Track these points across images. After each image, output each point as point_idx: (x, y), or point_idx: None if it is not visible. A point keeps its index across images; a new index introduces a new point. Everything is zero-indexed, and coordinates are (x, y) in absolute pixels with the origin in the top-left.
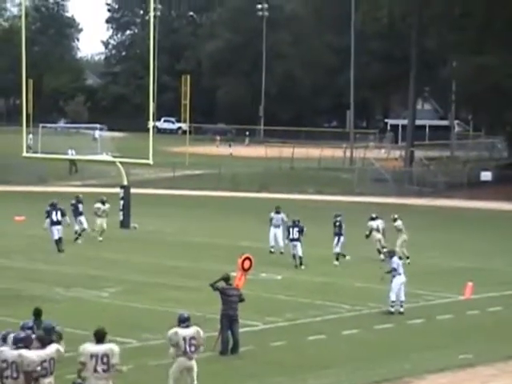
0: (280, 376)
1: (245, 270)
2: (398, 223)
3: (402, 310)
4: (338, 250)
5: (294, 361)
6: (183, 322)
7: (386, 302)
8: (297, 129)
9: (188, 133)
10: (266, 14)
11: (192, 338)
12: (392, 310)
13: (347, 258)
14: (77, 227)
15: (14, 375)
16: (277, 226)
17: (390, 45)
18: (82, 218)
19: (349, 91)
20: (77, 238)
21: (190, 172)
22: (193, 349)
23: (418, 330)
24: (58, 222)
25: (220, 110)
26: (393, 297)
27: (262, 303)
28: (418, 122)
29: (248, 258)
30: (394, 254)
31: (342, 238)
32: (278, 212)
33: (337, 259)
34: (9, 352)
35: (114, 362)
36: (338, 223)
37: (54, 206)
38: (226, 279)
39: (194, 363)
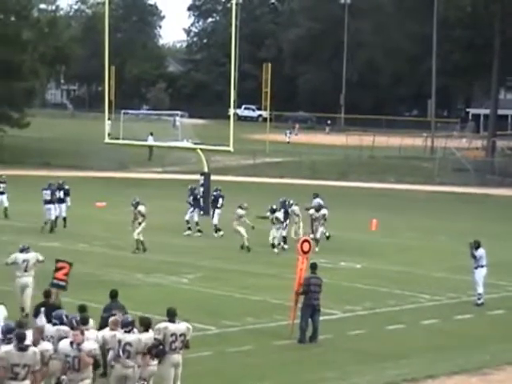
0: (359, 364)
1: (304, 253)
2: (294, 208)
3: (479, 301)
4: None
5: (373, 349)
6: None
7: (471, 294)
8: (377, 117)
9: (268, 120)
10: (348, 1)
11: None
12: (479, 302)
13: None
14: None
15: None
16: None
17: (473, 33)
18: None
19: (430, 80)
20: (199, 230)
21: (269, 159)
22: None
23: (498, 320)
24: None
25: (300, 97)
26: (480, 289)
27: (341, 292)
28: (501, 112)
29: (306, 241)
30: (479, 245)
31: None
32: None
33: None
34: (177, 325)
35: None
36: None
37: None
38: (313, 267)
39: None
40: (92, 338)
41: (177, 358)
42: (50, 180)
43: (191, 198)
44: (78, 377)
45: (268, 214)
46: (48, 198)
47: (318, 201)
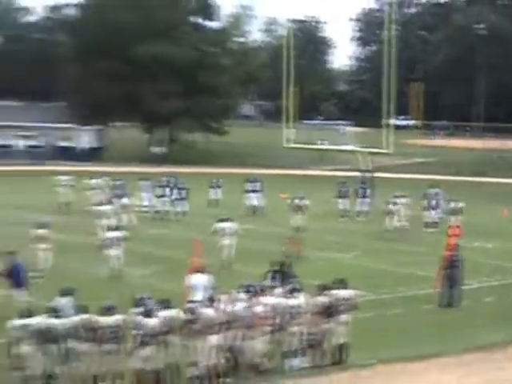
0: (492, 324)
1: (456, 236)
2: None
3: None
4: None
5: (503, 313)
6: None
7: None
8: (506, 125)
9: (418, 128)
10: (482, 32)
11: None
12: None
13: None
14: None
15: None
16: None
17: None
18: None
19: None
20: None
21: (419, 159)
22: None
23: None
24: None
25: (444, 109)
26: None
27: (478, 266)
28: None
29: (458, 227)
30: None
31: None
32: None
33: None
34: (345, 291)
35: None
36: None
37: None
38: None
39: None
40: (264, 303)
41: (345, 317)
42: (247, 176)
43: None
44: (251, 334)
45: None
46: (250, 188)
47: (436, 191)
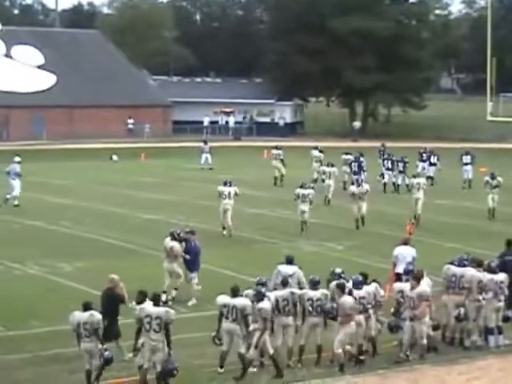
0: None
1: None
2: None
3: None
4: None
5: None
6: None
7: None
8: None
9: None
10: None
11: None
12: None
13: None
14: None
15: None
16: None
17: None
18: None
19: None
20: None
21: None
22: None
23: None
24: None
25: None
26: None
27: None
28: None
29: None
30: None
31: None
32: None
33: None
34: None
35: None
36: None
37: None
38: None
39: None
40: (425, 284)
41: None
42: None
43: None
44: (413, 313)
45: None
46: (467, 161)
47: None
